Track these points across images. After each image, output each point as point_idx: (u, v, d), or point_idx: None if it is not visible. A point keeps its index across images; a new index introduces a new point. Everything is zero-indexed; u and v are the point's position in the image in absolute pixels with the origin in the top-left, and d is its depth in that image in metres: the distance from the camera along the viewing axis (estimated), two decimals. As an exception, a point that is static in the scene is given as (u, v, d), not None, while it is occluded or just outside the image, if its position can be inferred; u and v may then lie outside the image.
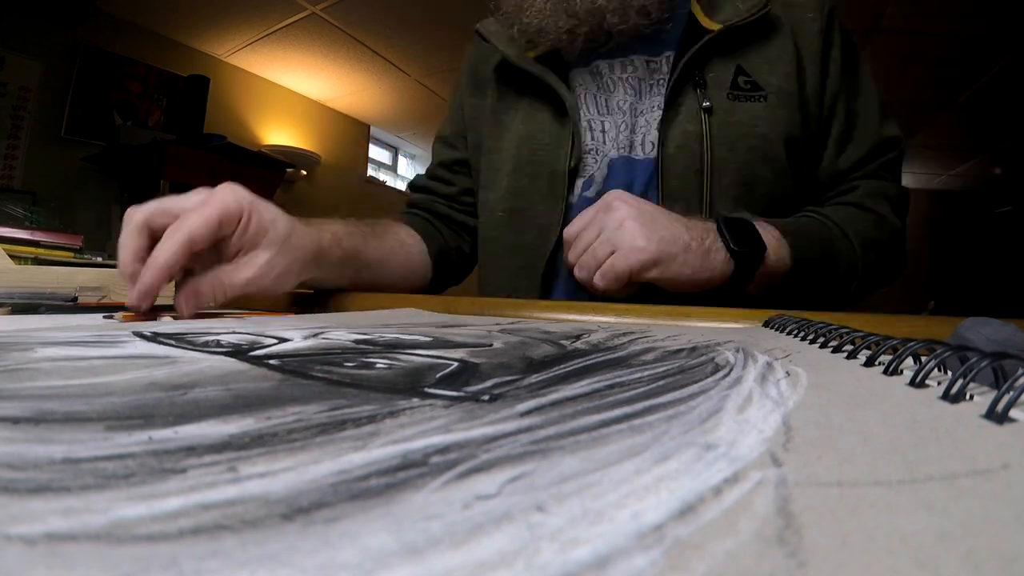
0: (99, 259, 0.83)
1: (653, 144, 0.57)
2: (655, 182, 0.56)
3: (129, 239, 0.40)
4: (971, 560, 0.06)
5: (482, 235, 0.68)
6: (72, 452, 0.09)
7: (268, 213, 0.43)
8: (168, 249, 0.38)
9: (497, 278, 0.65)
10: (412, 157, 4.31)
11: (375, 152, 3.90)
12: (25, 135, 2.15)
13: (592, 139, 0.60)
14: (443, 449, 0.10)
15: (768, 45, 0.58)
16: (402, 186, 4.16)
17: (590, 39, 0.58)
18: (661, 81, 0.58)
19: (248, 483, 0.08)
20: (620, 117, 0.60)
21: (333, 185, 3.45)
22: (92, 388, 0.13)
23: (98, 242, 2.26)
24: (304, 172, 3.22)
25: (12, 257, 0.56)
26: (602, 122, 0.60)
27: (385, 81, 3.03)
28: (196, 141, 2.31)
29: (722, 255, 0.47)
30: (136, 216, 0.41)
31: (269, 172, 2.51)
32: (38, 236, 0.77)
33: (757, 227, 0.49)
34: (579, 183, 0.60)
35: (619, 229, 0.46)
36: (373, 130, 3.74)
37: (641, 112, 0.59)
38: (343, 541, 0.06)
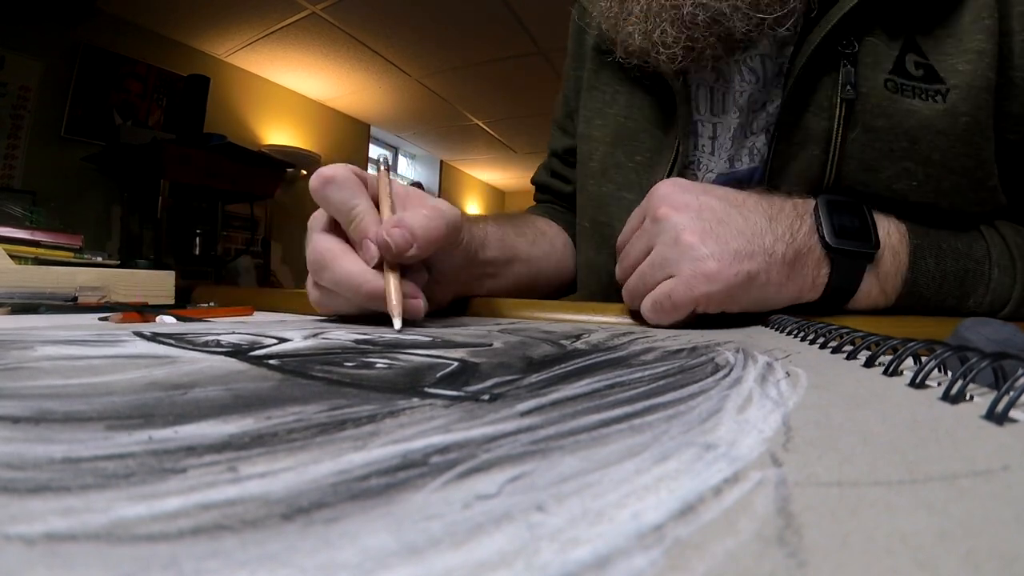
0: (99, 259, 0.83)
1: (759, 152, 0.43)
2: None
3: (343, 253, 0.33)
4: (971, 560, 0.06)
5: (576, 240, 0.58)
6: (72, 452, 0.09)
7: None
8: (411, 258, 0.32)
9: (581, 299, 0.56)
10: (412, 157, 4.31)
11: (375, 152, 3.91)
12: (25, 135, 2.16)
13: (698, 148, 0.47)
14: (443, 449, 0.10)
15: (959, 13, 0.37)
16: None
17: (720, 48, 0.42)
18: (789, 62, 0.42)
19: (248, 483, 0.08)
20: (734, 117, 0.44)
21: (333, 185, 3.44)
22: (92, 387, 0.13)
23: (98, 242, 2.27)
24: (304, 172, 3.22)
25: (12, 257, 0.56)
26: (714, 125, 0.46)
27: (385, 81, 3.04)
28: (196, 141, 2.31)
29: (816, 255, 0.35)
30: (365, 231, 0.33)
31: (269, 172, 2.51)
32: (38, 236, 0.77)
33: (875, 217, 0.36)
34: None
35: (676, 245, 0.34)
36: (373, 130, 3.75)
37: (762, 106, 0.44)
38: (343, 541, 0.06)
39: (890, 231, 0.37)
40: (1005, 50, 0.37)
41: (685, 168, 0.47)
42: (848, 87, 0.38)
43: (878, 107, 0.38)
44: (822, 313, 0.35)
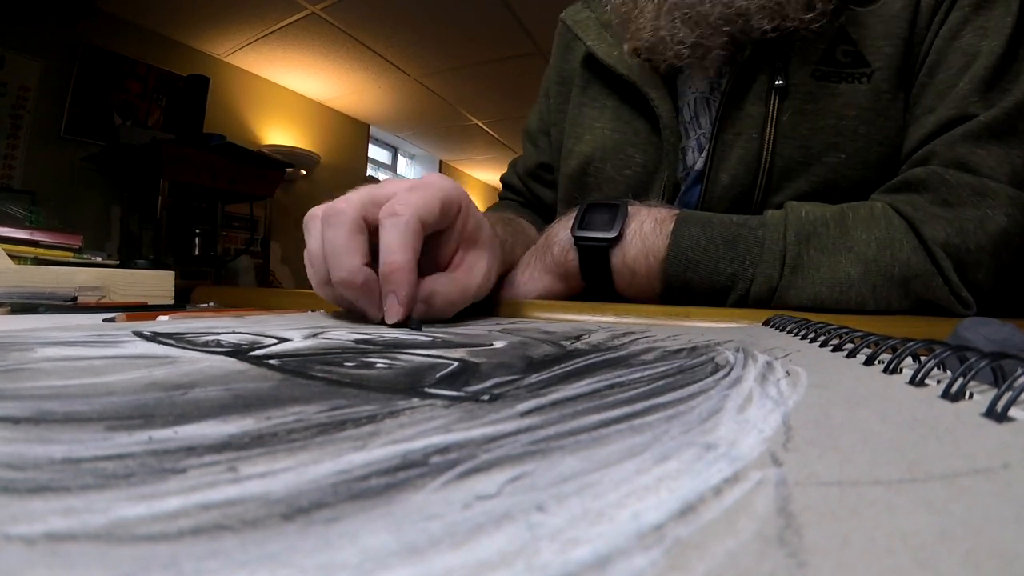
0: (99, 259, 0.83)
1: (702, 149, 0.48)
2: (704, 173, 0.47)
3: (348, 239, 0.31)
4: (971, 559, 0.06)
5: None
6: (72, 452, 0.09)
7: (477, 208, 0.36)
8: (403, 239, 0.30)
9: None
10: (412, 157, 4.31)
11: (375, 152, 3.91)
12: (25, 135, 2.16)
13: (694, 159, 0.49)
14: (443, 449, 0.10)
15: (890, 3, 0.43)
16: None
17: (731, 50, 0.45)
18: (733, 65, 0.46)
19: (248, 483, 0.08)
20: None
21: (333, 185, 3.43)
22: (92, 388, 0.13)
23: (98, 242, 2.27)
24: (304, 172, 3.22)
25: (11, 257, 0.56)
26: (699, 138, 0.49)
27: (385, 81, 3.04)
28: (196, 141, 2.30)
29: (567, 246, 0.43)
30: (349, 211, 0.31)
31: (269, 172, 2.51)
32: (37, 236, 0.77)
33: (633, 213, 0.41)
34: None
35: None
36: (373, 130, 3.75)
37: (701, 111, 0.48)
38: (343, 541, 0.06)
39: (646, 220, 0.42)
40: (913, 29, 0.43)
41: (681, 179, 0.49)
42: (778, 80, 0.43)
43: (807, 94, 0.43)
44: (596, 299, 0.41)
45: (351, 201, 0.32)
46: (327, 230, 0.31)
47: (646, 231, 0.41)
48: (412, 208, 0.31)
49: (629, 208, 0.42)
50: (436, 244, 0.35)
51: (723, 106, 0.46)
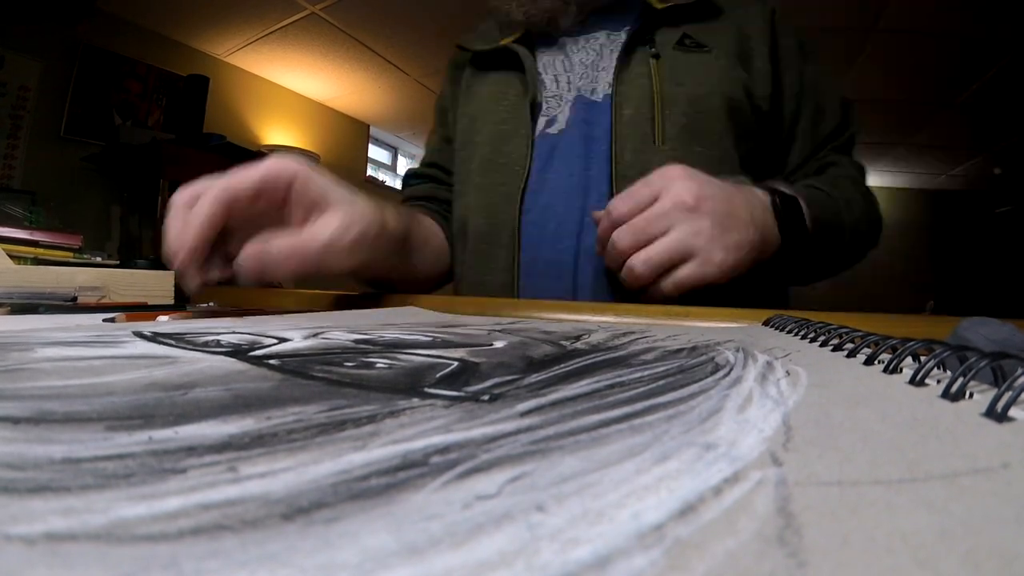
0: (98, 259, 0.83)
1: (610, 84, 0.61)
2: (610, 115, 0.59)
3: (176, 215, 0.38)
4: (971, 559, 0.06)
5: (457, 191, 0.69)
6: (72, 452, 0.09)
7: (324, 176, 0.41)
8: (204, 204, 0.36)
9: (466, 249, 0.65)
10: (412, 157, 4.31)
11: (374, 152, 3.91)
12: (25, 135, 2.16)
13: (556, 87, 0.64)
14: (443, 449, 0.10)
15: (713, 22, 0.62)
16: (401, 186, 4.15)
17: (578, 11, 0.63)
18: (619, 45, 0.63)
19: (248, 483, 0.08)
20: (580, 70, 0.64)
21: (333, 185, 3.44)
22: (92, 388, 0.13)
23: (97, 242, 2.27)
24: (304, 172, 3.22)
25: (11, 257, 0.56)
26: (567, 76, 0.65)
27: (384, 81, 3.04)
28: (196, 141, 2.31)
29: (774, 233, 0.49)
30: (181, 194, 0.39)
31: (269, 172, 2.51)
32: (37, 236, 0.77)
33: (800, 201, 0.51)
34: (542, 121, 0.63)
35: (697, 235, 0.43)
36: (372, 130, 3.75)
37: (602, 68, 0.63)
38: (343, 541, 0.06)
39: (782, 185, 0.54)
40: (743, 39, 0.62)
41: (548, 98, 0.63)
42: (654, 50, 0.60)
43: (673, 57, 0.60)
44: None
45: (188, 187, 0.40)
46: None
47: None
48: (223, 183, 0.37)
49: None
50: (279, 217, 0.40)
51: (617, 72, 0.60)
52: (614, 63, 0.62)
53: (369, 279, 0.57)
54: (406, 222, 0.55)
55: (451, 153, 0.74)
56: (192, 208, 0.38)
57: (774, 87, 0.62)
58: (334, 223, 0.40)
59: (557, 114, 0.63)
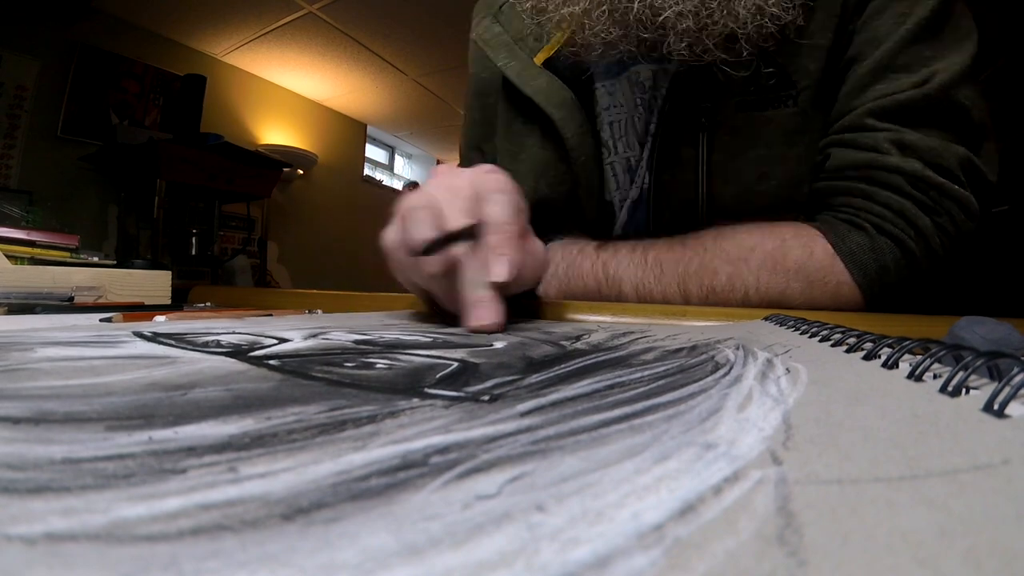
0: (95, 259, 0.83)
1: (645, 180, 0.48)
2: (647, 216, 0.48)
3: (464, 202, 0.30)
4: (972, 557, 0.06)
5: None
6: (72, 452, 0.09)
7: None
8: (511, 212, 0.30)
9: None
10: (409, 156, 4.31)
11: (372, 151, 3.90)
12: (22, 134, 2.15)
13: (624, 179, 0.50)
14: (443, 449, 0.10)
15: (811, 17, 0.42)
16: (399, 185, 4.16)
17: (639, 60, 0.45)
18: (661, 97, 0.47)
19: (248, 483, 0.08)
20: (623, 131, 0.49)
21: (330, 184, 3.44)
22: (92, 388, 0.13)
23: (95, 242, 2.26)
24: (301, 171, 3.22)
25: (8, 257, 0.55)
26: (627, 159, 0.49)
27: (382, 80, 3.03)
28: (193, 140, 2.30)
29: None
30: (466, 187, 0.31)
31: (266, 171, 2.51)
32: (34, 236, 0.76)
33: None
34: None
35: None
36: (370, 129, 3.74)
37: (643, 133, 0.48)
38: (343, 541, 0.06)
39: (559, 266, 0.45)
40: (843, 42, 0.42)
41: (608, 201, 0.50)
42: (703, 120, 0.43)
43: (733, 129, 0.43)
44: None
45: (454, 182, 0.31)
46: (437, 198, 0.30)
47: None
48: (512, 187, 0.32)
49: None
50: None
51: (655, 148, 0.46)
52: (649, 138, 0.47)
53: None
54: None
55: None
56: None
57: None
58: (541, 244, 0.36)
59: (617, 226, 0.51)
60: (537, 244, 0.36)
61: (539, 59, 0.49)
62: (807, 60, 0.42)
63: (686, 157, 0.45)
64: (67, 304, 0.44)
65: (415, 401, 0.13)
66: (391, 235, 0.32)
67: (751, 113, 0.43)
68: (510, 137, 0.56)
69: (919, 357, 0.14)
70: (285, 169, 2.66)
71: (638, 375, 0.17)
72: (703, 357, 0.20)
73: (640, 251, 0.44)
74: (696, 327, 0.34)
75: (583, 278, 0.45)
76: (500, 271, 0.29)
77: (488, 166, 0.34)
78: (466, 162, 0.66)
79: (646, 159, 0.48)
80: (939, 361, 0.14)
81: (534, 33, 0.50)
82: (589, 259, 0.45)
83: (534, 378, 0.16)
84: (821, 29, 0.42)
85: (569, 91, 0.49)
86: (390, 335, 0.26)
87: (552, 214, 0.52)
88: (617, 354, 0.21)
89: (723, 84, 0.42)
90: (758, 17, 0.38)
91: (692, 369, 0.18)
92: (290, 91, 3.17)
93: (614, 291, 0.45)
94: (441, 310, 0.33)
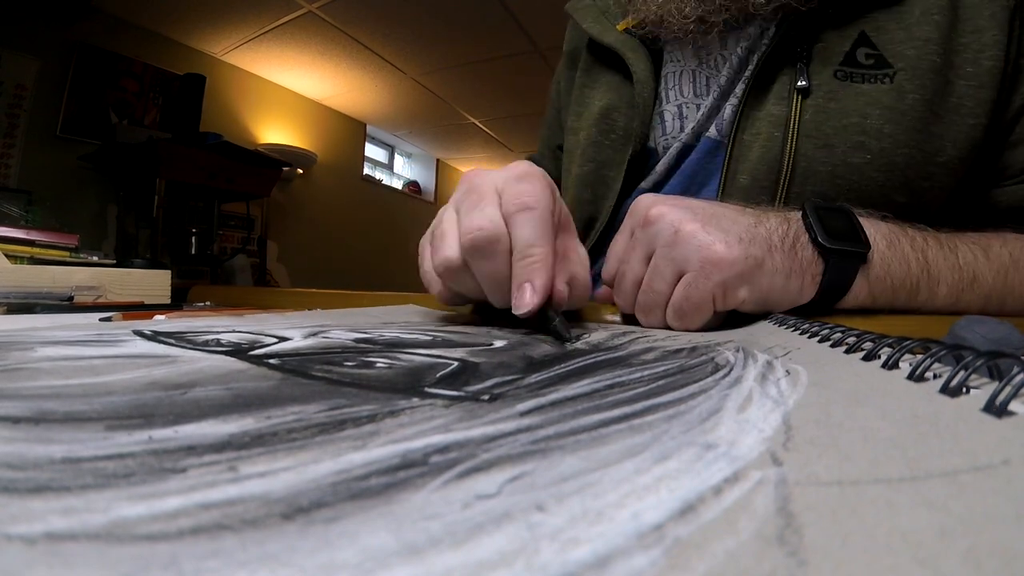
0: (95, 258, 0.83)
1: (727, 129, 0.47)
2: (720, 178, 0.46)
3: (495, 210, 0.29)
4: (972, 557, 0.06)
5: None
6: (72, 452, 0.09)
7: None
8: (541, 231, 0.29)
9: None
10: (408, 156, 4.30)
11: (371, 151, 3.90)
12: (21, 134, 2.14)
13: (673, 125, 0.51)
14: (443, 449, 0.10)
15: (910, 10, 0.43)
16: (398, 184, 4.16)
17: (731, 26, 0.47)
18: (758, 58, 0.47)
19: (248, 483, 0.08)
20: (710, 99, 0.49)
21: (330, 184, 3.44)
22: (92, 388, 0.13)
23: (94, 241, 2.26)
24: (301, 171, 3.21)
25: (8, 256, 0.55)
26: (697, 105, 0.50)
27: (381, 79, 3.03)
28: (192, 139, 2.30)
29: (809, 252, 0.33)
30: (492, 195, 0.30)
31: (266, 171, 2.50)
32: (34, 235, 0.76)
33: (859, 219, 0.35)
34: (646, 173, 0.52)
35: (676, 238, 0.32)
36: (369, 128, 3.74)
37: (734, 92, 0.48)
38: (343, 541, 0.06)
39: (876, 236, 0.36)
40: (951, 31, 0.42)
41: (659, 140, 0.53)
42: (801, 81, 0.43)
43: (829, 93, 0.43)
44: (813, 313, 0.34)
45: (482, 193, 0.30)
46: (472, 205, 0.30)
47: (882, 249, 0.36)
48: (542, 200, 0.29)
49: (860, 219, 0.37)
50: None
51: (742, 107, 0.46)
52: (741, 91, 0.46)
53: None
54: None
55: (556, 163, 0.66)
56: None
57: (996, 113, 0.42)
58: (584, 249, 0.34)
59: (658, 164, 0.52)
60: (572, 243, 0.34)
61: (621, 26, 0.54)
62: (904, 45, 0.42)
63: (776, 113, 0.44)
64: (67, 303, 0.44)
65: (415, 400, 0.13)
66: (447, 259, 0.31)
67: (847, 83, 0.43)
68: (580, 98, 0.59)
69: (919, 357, 0.14)
70: (284, 168, 2.65)
71: (638, 375, 0.17)
72: (703, 358, 0.20)
73: (947, 247, 0.38)
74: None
75: (907, 261, 0.36)
76: (520, 302, 0.28)
77: (522, 167, 0.32)
78: (538, 156, 0.74)
79: (728, 109, 0.48)
80: (939, 361, 0.14)
81: (622, 8, 0.55)
82: (907, 239, 0.37)
83: (534, 377, 0.16)
84: (920, 21, 0.42)
85: (643, 47, 0.53)
86: (390, 333, 0.26)
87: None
88: (617, 354, 0.21)
89: (820, 54, 0.44)
90: None
91: (692, 370, 0.18)
92: (289, 90, 3.16)
93: (928, 289, 0.37)
94: (489, 310, 0.33)
